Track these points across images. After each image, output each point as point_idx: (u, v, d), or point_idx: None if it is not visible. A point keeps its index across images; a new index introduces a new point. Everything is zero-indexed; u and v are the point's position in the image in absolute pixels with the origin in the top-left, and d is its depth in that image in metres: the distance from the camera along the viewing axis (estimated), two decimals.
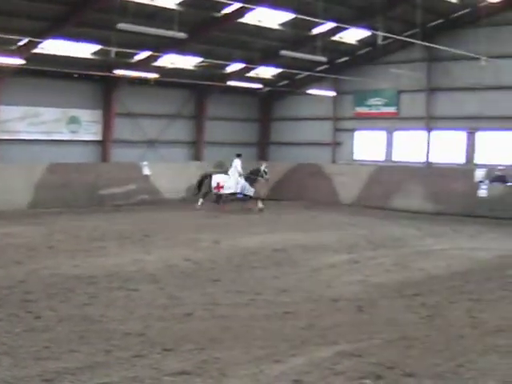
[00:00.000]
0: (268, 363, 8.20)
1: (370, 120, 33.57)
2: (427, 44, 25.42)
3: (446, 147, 31.35)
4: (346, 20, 25.87)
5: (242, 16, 25.40)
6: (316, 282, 13.60)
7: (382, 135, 33.42)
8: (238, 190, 28.23)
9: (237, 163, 28.24)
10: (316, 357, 8.50)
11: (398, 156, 32.84)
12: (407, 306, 11.57)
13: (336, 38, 29.90)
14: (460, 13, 29.80)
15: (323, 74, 32.12)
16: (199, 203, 27.95)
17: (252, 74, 32.87)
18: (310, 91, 33.09)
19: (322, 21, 22.78)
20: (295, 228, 22.84)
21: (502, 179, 27.80)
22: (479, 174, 28.49)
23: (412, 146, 32.39)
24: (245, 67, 31.22)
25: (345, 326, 10.15)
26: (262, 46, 29.78)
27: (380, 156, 33.35)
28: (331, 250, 18.00)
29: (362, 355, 8.58)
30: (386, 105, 32.89)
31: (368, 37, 29.24)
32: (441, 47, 25.76)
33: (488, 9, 27.49)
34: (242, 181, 28.11)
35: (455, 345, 9.21)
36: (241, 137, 36.17)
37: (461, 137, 30.93)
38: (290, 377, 7.73)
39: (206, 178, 28.57)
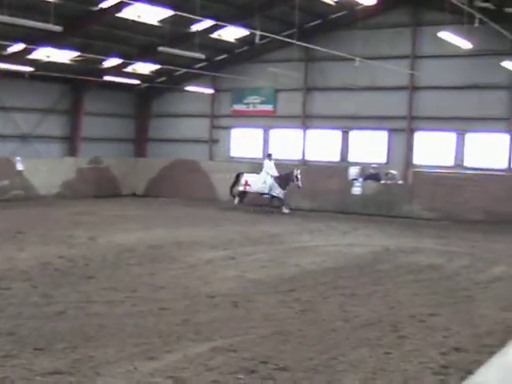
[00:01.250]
0: (143, 360, 8.13)
1: (248, 118, 33.82)
2: (304, 44, 25.83)
3: (321, 145, 31.96)
4: (225, 18, 25.96)
5: (119, 11, 25.05)
6: (192, 279, 13.59)
7: (258, 133, 33.73)
8: (266, 191, 27.87)
9: (266, 164, 28.10)
10: (191, 353, 8.50)
11: (274, 153, 33.20)
12: (282, 301, 11.72)
13: (215, 35, 29.96)
14: (337, 15, 30.47)
15: (202, 71, 32.13)
16: (236, 201, 28.75)
17: (130, 69, 32.51)
18: (188, 88, 33.03)
19: (200, 18, 22.79)
20: (172, 224, 22.75)
21: (375, 177, 28.63)
22: (353, 171, 29.25)
23: (288, 144, 32.85)
24: (122, 62, 30.82)
25: (220, 321, 10.19)
26: (140, 41, 29.49)
27: (257, 153, 33.64)
28: (208, 246, 18.03)
29: (237, 350, 8.64)
30: (263, 103, 33.23)
31: (247, 35, 29.44)
32: (318, 48, 26.25)
33: (363, 12, 28.27)
34: (271, 181, 27.73)
35: (328, 338, 9.40)
36: (118, 133, 35.73)
37: (336, 135, 31.62)
38: (165, 373, 7.69)
39: (239, 177, 28.71)
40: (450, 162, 29.05)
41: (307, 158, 32.22)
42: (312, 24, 31.02)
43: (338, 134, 31.53)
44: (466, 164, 28.78)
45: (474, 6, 21.97)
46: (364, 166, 29.49)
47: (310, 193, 29.42)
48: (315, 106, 31.97)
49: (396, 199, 27.83)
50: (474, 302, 12.26)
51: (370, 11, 28.21)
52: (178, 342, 8.95)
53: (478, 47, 25.19)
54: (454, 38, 21.24)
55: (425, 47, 29.22)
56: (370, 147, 30.72)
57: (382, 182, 28.41)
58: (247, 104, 33.72)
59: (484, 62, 27.68)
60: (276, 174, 27.79)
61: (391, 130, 30.23)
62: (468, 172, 27.62)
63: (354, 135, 31.25)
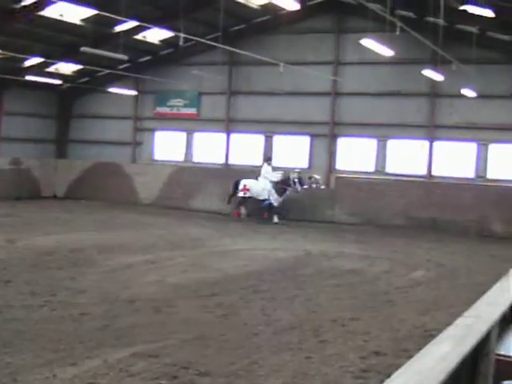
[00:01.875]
0: (62, 366, 7.97)
1: (171, 120, 33.62)
2: (229, 48, 25.82)
3: (244, 150, 32.01)
4: (150, 19, 25.73)
5: (42, 9, 24.58)
6: (113, 283, 13.41)
7: (182, 136, 33.57)
8: (265, 197, 26.95)
9: (264, 168, 27.27)
10: (111, 358, 8.37)
11: (197, 157, 33.14)
12: (203, 305, 11.67)
13: (139, 36, 29.69)
14: (261, 19, 30.56)
15: (125, 73, 31.79)
16: (242, 212, 27.95)
17: (52, 69, 31.94)
18: (111, 89, 32.64)
19: (124, 19, 22.53)
20: (93, 228, 22.43)
21: (298, 182, 28.76)
22: (276, 176, 29.34)
23: (212, 148, 32.78)
24: (44, 62, 30.24)
25: (141, 326, 10.08)
26: (62, 41, 28.97)
27: (180, 157, 33.48)
28: (129, 250, 17.84)
29: (158, 356, 8.55)
30: (186, 106, 33.07)
31: (171, 37, 29.24)
32: (242, 52, 26.28)
33: (287, 17, 28.44)
34: (269, 186, 26.88)
35: (249, 343, 9.40)
36: (39, 133, 35.01)
37: (259, 140, 31.71)
38: (85, 380, 7.56)
39: (238, 184, 27.54)
40: (372, 167, 29.46)
41: (230, 161, 32.19)
42: (237, 28, 31.06)
43: (261, 138, 31.62)
44: (386, 170, 29.23)
45: (395, 14, 22.34)
46: (286, 171, 29.63)
47: (226, 197, 29.43)
48: (239, 110, 32.00)
49: (319, 204, 28.08)
50: (394, 307, 12.45)
51: (294, 16, 28.40)
52: (98, 348, 8.80)
53: (399, 55, 25.60)
54: (375, 46, 21.52)
55: (348, 54, 29.57)
56: (292, 152, 30.90)
57: (306, 186, 28.59)
58: (171, 107, 33.52)
59: (405, 69, 28.19)
60: (274, 178, 27.08)
61: (314, 136, 30.47)
62: (389, 178, 28.07)
63: (277, 140, 31.40)
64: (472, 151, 27.98)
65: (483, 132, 27.36)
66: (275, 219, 26.52)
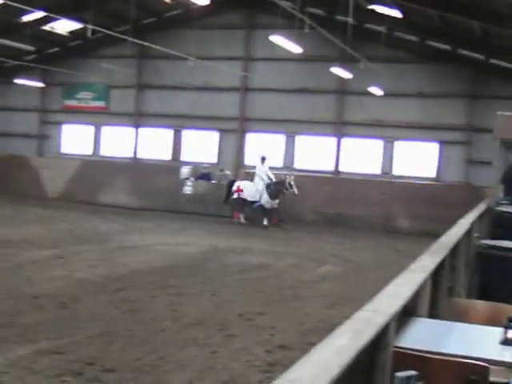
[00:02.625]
0: None
1: (79, 114, 33.10)
2: (138, 41, 25.60)
3: (153, 144, 31.81)
4: (58, 10, 25.23)
5: None
6: (18, 279, 13.09)
7: (90, 129, 33.10)
8: (257, 198, 25.40)
9: (258, 168, 25.81)
10: (14, 356, 8.17)
11: (106, 151, 32.74)
12: (110, 301, 11.53)
13: (47, 27, 29.11)
14: (172, 13, 30.43)
15: (32, 64, 31.12)
16: (241, 219, 25.98)
17: None
18: (17, 81, 31.88)
19: (32, 9, 22.06)
20: None
21: (206, 177, 28.81)
22: (185, 171, 29.30)
23: (120, 142, 32.44)
24: None
25: (46, 323, 9.88)
26: None
27: (88, 150, 33.01)
28: (35, 244, 17.46)
29: (63, 352, 8.40)
30: (95, 99, 32.63)
31: (79, 29, 28.77)
32: (151, 45, 26.08)
33: (198, 12, 28.38)
34: (261, 188, 25.33)
35: (156, 338, 9.35)
36: None
37: (168, 134, 31.57)
38: None
39: (232, 185, 26.27)
40: (280, 163, 29.71)
41: (139, 156, 31.93)
42: (147, 21, 30.82)
43: (170, 132, 31.49)
44: (295, 165, 29.54)
45: (305, 12, 22.57)
46: (195, 166, 29.61)
47: (140, 191, 29.22)
48: (148, 104, 31.75)
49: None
50: (301, 301, 12.59)
51: (204, 11, 28.36)
52: (0, 345, 8.59)
53: (308, 52, 25.94)
54: (285, 42, 21.72)
55: (258, 50, 29.73)
56: (201, 147, 30.89)
57: (213, 181, 28.63)
58: (79, 100, 33.00)
59: (314, 66, 28.53)
60: (267, 180, 25.49)
61: (223, 131, 30.53)
62: (297, 174, 28.35)
63: (186, 134, 31.32)
64: (378, 148, 28.58)
65: (390, 129, 27.99)
66: (265, 222, 25.12)
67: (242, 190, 25.80)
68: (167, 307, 11.32)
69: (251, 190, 25.56)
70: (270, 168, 26.05)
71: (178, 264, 16.01)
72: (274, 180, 25.41)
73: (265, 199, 25.11)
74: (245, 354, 8.80)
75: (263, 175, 25.50)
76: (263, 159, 25.88)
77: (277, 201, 25.25)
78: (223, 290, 13.08)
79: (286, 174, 25.71)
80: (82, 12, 26.53)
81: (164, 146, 31.62)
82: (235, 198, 25.95)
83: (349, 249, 20.41)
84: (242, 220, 25.78)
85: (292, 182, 24.95)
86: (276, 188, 25.07)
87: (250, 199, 25.59)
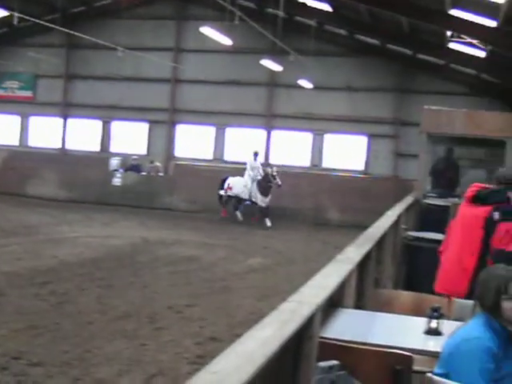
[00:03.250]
0: None
1: (5, 103, 32.39)
2: (67, 30, 25.18)
3: (82, 135, 31.39)
4: None
5: None
6: None
7: (16, 119, 32.46)
8: (246, 196, 24.27)
9: (249, 163, 24.57)
10: None
11: (33, 142, 32.16)
12: (37, 294, 11.37)
13: None
14: (102, 2, 30.03)
15: None
16: (238, 217, 24.84)
17: None
18: None
19: None
20: None
21: (135, 168, 28.61)
22: (114, 162, 29.03)
23: (48, 132, 31.89)
24: None
25: None
26: None
27: (15, 141, 32.36)
28: None
29: None
30: (21, 88, 31.97)
31: (6, 17, 28.14)
32: (80, 35, 25.70)
33: (128, 1, 28.14)
34: (250, 184, 24.12)
35: (83, 331, 9.27)
36: None
37: (97, 125, 31.21)
38: None
39: (224, 182, 24.94)
40: (210, 155, 29.70)
41: (67, 147, 31.46)
42: (76, 10, 30.36)
43: (99, 123, 31.13)
44: (225, 158, 29.56)
45: (235, 4, 22.56)
46: (125, 157, 29.36)
47: (69, 183, 28.82)
48: (77, 95, 31.25)
49: (157, 191, 27.97)
50: (231, 293, 12.64)
51: (134, 1, 28.14)
52: None
53: (239, 44, 25.92)
54: (215, 34, 21.68)
55: (189, 41, 29.58)
56: (131, 138, 30.65)
57: (143, 173, 28.45)
58: (5, 89, 32.30)
59: (245, 59, 28.53)
60: (259, 176, 24.18)
61: (153, 122, 30.33)
62: (227, 166, 28.37)
63: (115, 125, 31.02)
64: (308, 141, 28.81)
65: (319, 122, 28.22)
66: (268, 223, 23.76)
67: (230, 188, 24.72)
68: (96, 300, 11.23)
69: (239, 186, 24.57)
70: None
71: (107, 256, 15.87)
72: (259, 177, 24.25)
73: (259, 198, 23.99)
74: (174, 347, 8.80)
75: (255, 171, 24.38)
76: (255, 155, 24.86)
77: (269, 197, 24.09)
78: (153, 283, 13.04)
79: (267, 166, 25.14)
80: None
81: (93, 137, 31.23)
82: (223, 195, 24.96)
83: (279, 241, 20.53)
84: (239, 217, 24.79)
85: (275, 173, 23.98)
86: (265, 184, 23.98)
87: (239, 196, 24.61)
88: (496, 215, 6.52)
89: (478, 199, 6.72)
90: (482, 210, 6.62)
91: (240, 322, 10.29)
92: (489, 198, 6.64)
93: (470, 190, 6.85)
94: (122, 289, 12.33)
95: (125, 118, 30.59)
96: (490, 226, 6.55)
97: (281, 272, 15.46)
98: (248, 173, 24.51)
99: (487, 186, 6.86)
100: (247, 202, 24.78)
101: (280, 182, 23.87)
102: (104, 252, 16.45)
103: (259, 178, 24.20)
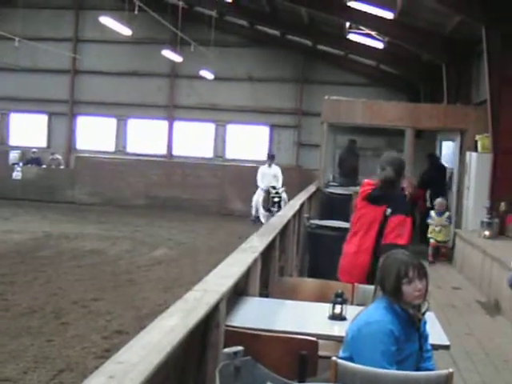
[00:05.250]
0: None
1: None
2: None
3: None
4: None
5: None
6: None
7: None
8: (253, 211, 21.11)
9: (261, 171, 21.02)
10: None
11: None
12: None
13: None
14: None
15: None
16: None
17: None
18: None
19: None
20: None
21: (36, 161, 28.07)
22: (13, 156, 28.41)
23: None
24: None
25: None
26: None
27: None
28: None
29: None
30: None
31: None
32: None
33: None
34: (257, 197, 20.91)
35: None
36: None
37: None
38: None
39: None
40: (112, 147, 29.42)
41: None
42: None
43: None
44: (127, 150, 29.33)
45: None
46: (24, 150, 28.76)
47: None
48: None
49: (58, 184, 27.49)
50: (136, 285, 12.60)
51: None
52: None
53: (139, 35, 25.71)
54: (114, 24, 21.42)
55: (88, 31, 29.13)
56: (30, 131, 30.02)
57: (44, 166, 27.93)
58: None
59: (145, 49, 28.33)
60: (263, 186, 20.68)
61: (52, 114, 29.79)
62: (129, 158, 28.15)
63: (12, 118, 30.33)
64: (211, 131, 28.88)
65: (221, 113, 28.34)
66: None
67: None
68: None
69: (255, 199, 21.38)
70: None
71: (8, 252, 15.53)
72: (264, 187, 20.65)
73: (262, 213, 20.43)
74: (81, 341, 8.74)
75: (267, 179, 20.76)
76: (271, 158, 21.53)
77: (275, 209, 19.08)
78: (57, 278, 12.86)
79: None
80: None
81: None
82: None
83: (183, 232, 20.52)
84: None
85: (279, 191, 20.40)
86: (268, 196, 20.54)
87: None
88: (388, 211, 6.76)
89: (373, 199, 6.93)
90: (380, 210, 6.84)
91: (147, 314, 10.27)
92: (382, 198, 6.87)
93: (364, 189, 7.06)
94: (25, 285, 12.11)
95: (23, 110, 29.92)
96: (384, 221, 6.79)
97: (186, 263, 15.48)
98: (259, 183, 20.93)
99: (375, 182, 7.03)
100: (250, 219, 21.49)
101: (281, 197, 20.13)
102: (5, 248, 16.10)
103: (263, 186, 20.71)
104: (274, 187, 20.20)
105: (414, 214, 12.89)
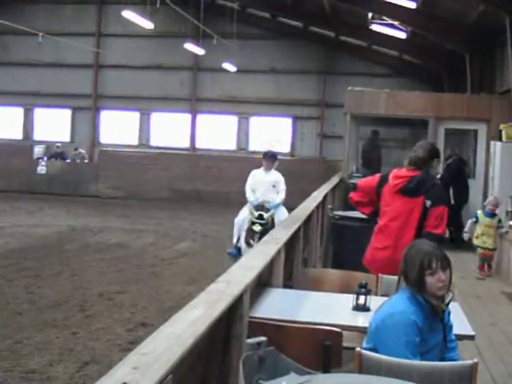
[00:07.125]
0: None
1: None
2: None
3: (3, 123, 30.76)
4: None
5: None
6: None
7: None
8: (234, 237, 13.71)
9: (253, 176, 13.36)
10: None
11: None
12: None
13: None
14: None
15: None
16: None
17: None
18: None
19: None
20: None
21: (60, 156, 28.22)
22: (38, 150, 28.58)
23: None
24: None
25: None
26: None
27: None
28: None
29: None
30: None
31: None
32: None
33: None
34: (242, 217, 13.37)
35: (13, 322, 9.15)
36: None
37: (18, 113, 30.64)
38: None
39: None
40: (135, 141, 29.52)
41: None
42: None
43: (21, 111, 30.56)
44: (150, 143, 29.43)
45: None
46: (49, 145, 28.93)
47: None
48: None
49: (82, 178, 27.63)
50: (160, 278, 12.63)
51: None
52: None
53: (161, 28, 25.79)
54: (137, 18, 21.47)
55: (111, 26, 29.26)
56: (54, 125, 30.20)
57: (68, 160, 28.09)
58: None
59: (168, 43, 28.40)
60: (254, 199, 12.98)
61: (76, 108, 29.95)
62: (153, 151, 28.23)
63: (37, 112, 30.51)
64: (234, 124, 28.88)
65: (244, 105, 28.34)
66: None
67: None
68: (24, 290, 11.08)
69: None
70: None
71: (34, 246, 15.64)
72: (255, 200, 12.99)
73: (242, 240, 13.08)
74: (105, 334, 8.78)
75: (260, 191, 13.03)
76: (271, 158, 13.04)
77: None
78: (82, 271, 12.92)
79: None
80: None
81: (15, 125, 30.64)
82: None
83: (206, 225, 20.55)
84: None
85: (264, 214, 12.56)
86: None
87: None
88: (428, 203, 6.57)
89: (407, 192, 6.65)
90: (417, 202, 6.61)
91: (171, 307, 10.29)
92: (419, 189, 6.63)
93: (396, 183, 6.72)
94: (51, 278, 12.19)
95: (47, 105, 30.13)
96: (424, 212, 6.59)
97: (210, 256, 15.49)
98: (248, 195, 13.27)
99: (409, 173, 6.75)
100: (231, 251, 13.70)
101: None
102: (31, 241, 16.21)
103: (253, 200, 12.98)
104: (262, 206, 12.78)
105: None
